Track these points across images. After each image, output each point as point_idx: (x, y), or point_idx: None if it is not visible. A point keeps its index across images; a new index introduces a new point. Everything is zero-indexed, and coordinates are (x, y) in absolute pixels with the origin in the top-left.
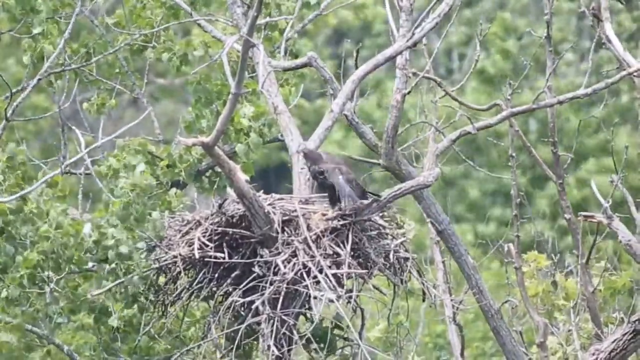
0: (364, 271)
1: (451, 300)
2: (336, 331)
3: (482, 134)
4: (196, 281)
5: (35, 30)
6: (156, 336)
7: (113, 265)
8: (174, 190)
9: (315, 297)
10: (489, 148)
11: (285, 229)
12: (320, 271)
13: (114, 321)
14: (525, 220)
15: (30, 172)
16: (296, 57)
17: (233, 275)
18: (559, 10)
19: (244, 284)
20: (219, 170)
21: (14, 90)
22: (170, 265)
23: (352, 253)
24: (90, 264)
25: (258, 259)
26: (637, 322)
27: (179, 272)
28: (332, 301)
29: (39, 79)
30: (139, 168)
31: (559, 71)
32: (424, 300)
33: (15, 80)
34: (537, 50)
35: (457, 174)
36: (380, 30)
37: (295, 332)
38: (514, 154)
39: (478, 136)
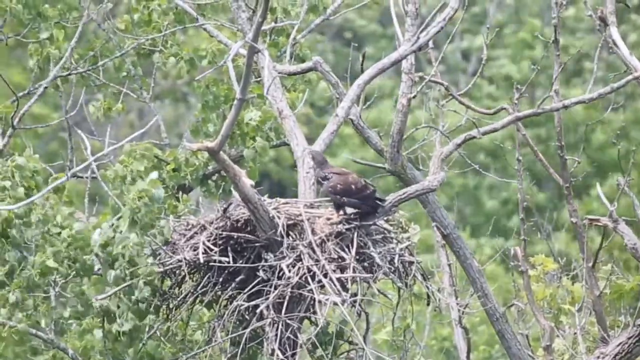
0: (369, 275)
1: (457, 303)
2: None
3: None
4: (201, 285)
5: (43, 36)
6: (162, 339)
7: (118, 271)
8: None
9: (319, 301)
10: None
11: (290, 233)
12: (325, 275)
13: (120, 325)
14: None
15: (38, 180)
16: (303, 61)
17: (238, 279)
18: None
19: (249, 288)
20: (225, 174)
21: (19, 94)
22: (175, 270)
23: (357, 257)
24: (95, 268)
25: (263, 263)
26: None
27: (184, 276)
28: (336, 305)
29: (45, 87)
30: (151, 176)
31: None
32: (428, 304)
33: (17, 88)
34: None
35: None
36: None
37: (299, 336)
38: (520, 158)
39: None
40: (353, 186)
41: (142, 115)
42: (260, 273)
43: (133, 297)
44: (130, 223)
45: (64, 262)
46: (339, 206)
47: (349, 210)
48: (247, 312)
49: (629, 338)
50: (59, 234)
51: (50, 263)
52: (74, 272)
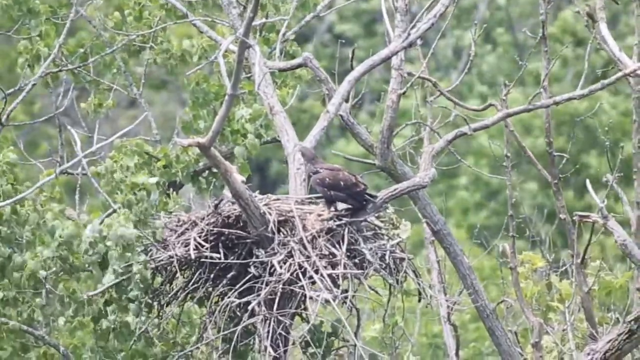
0: (360, 272)
1: (446, 300)
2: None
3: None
4: (192, 281)
5: (33, 33)
6: (154, 339)
7: (112, 276)
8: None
9: (311, 298)
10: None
11: (281, 229)
12: (316, 271)
13: (109, 322)
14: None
15: (20, 174)
16: (293, 57)
17: (229, 275)
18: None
19: (240, 284)
20: (216, 170)
21: (9, 92)
22: (166, 266)
23: (347, 253)
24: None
25: (254, 259)
26: (632, 322)
27: (175, 273)
28: (327, 301)
29: (34, 84)
30: (150, 181)
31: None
32: (419, 301)
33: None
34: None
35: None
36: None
37: (291, 333)
38: (509, 154)
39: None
40: (342, 182)
41: (144, 109)
42: (252, 269)
43: (124, 296)
44: (125, 217)
45: (55, 261)
46: (330, 202)
47: (340, 206)
48: (238, 309)
49: (619, 335)
50: (52, 234)
51: (42, 268)
52: (63, 272)
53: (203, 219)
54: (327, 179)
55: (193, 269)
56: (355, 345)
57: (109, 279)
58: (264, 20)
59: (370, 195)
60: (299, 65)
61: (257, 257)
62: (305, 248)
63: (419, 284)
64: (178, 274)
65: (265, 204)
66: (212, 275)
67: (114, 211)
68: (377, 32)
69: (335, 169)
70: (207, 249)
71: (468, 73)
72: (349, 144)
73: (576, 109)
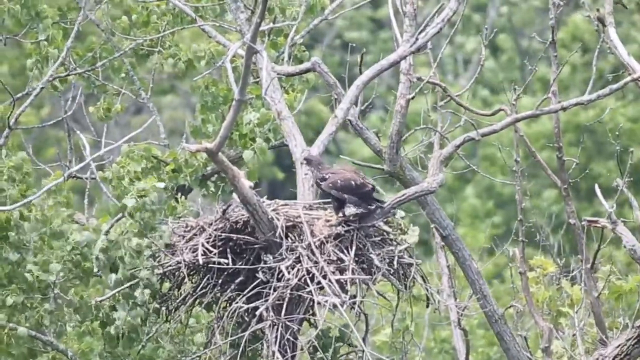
0: (368, 277)
1: (456, 305)
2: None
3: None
4: (200, 287)
5: (41, 37)
6: (160, 341)
7: (120, 275)
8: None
9: (319, 303)
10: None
11: (289, 234)
12: (324, 277)
13: (117, 328)
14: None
15: (32, 182)
16: (301, 62)
17: (237, 281)
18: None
19: (248, 289)
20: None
21: (17, 96)
22: (174, 271)
23: (356, 259)
24: (95, 269)
25: (262, 264)
26: None
27: (183, 278)
28: (335, 307)
29: (42, 88)
30: (158, 185)
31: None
32: (427, 306)
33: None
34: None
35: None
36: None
37: (299, 338)
38: (518, 159)
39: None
40: (353, 182)
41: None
42: (260, 275)
43: (132, 301)
44: (132, 224)
45: (66, 264)
46: (338, 208)
47: (348, 211)
48: (246, 314)
49: (628, 340)
50: (66, 239)
51: (53, 266)
52: (74, 276)
53: (211, 224)
54: (339, 182)
55: (201, 275)
56: (363, 351)
57: (115, 280)
58: (271, 25)
59: (379, 201)
60: (308, 70)
61: (265, 262)
62: (313, 253)
63: (426, 289)
64: (186, 280)
65: (273, 209)
66: (220, 281)
67: (124, 216)
68: (386, 38)
69: (341, 172)
70: (215, 254)
71: (474, 78)
72: (364, 146)
73: (585, 116)
